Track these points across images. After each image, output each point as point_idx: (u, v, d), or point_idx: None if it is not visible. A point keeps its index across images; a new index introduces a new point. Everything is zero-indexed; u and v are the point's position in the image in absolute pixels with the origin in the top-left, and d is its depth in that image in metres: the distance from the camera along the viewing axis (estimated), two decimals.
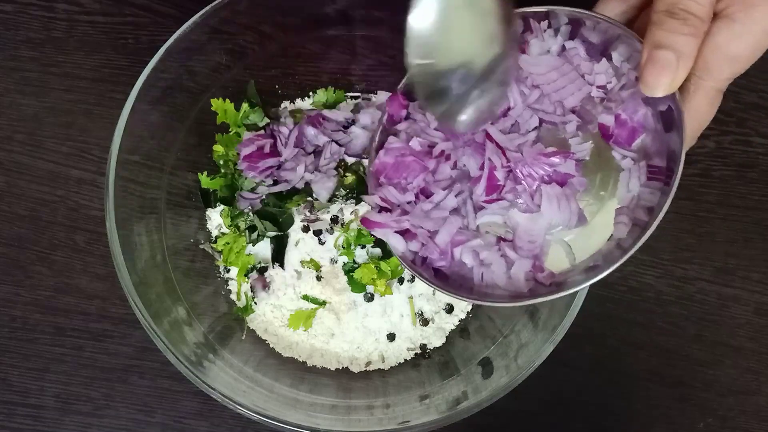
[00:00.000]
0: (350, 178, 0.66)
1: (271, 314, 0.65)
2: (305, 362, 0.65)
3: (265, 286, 0.65)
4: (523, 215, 0.47)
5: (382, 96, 0.68)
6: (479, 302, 0.48)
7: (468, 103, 0.46)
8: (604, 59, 0.47)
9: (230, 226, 0.66)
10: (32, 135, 0.70)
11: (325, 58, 0.68)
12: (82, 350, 0.67)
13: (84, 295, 0.68)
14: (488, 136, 0.48)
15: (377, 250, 0.64)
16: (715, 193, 0.71)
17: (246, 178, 0.65)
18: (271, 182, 0.65)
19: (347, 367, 0.65)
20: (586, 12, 0.45)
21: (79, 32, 0.71)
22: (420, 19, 0.41)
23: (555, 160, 0.46)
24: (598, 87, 0.47)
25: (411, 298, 0.65)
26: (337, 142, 0.65)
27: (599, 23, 0.45)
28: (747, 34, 0.39)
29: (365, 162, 0.65)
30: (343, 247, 0.64)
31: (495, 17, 0.42)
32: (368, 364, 0.65)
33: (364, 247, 0.64)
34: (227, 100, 0.65)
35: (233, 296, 0.66)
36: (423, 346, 0.66)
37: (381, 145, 0.52)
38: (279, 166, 0.64)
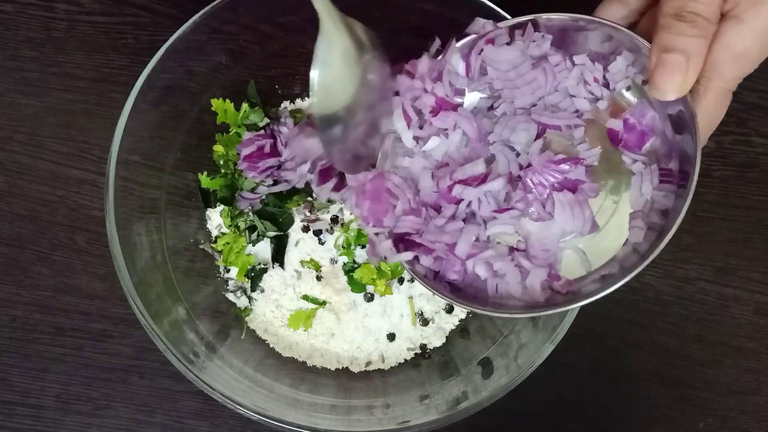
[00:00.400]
0: None
1: (271, 314, 0.65)
2: (305, 362, 0.65)
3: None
4: (534, 224, 0.47)
5: None
6: (495, 314, 0.47)
7: (358, 140, 0.49)
8: (577, 68, 0.47)
9: (230, 226, 0.66)
10: (32, 135, 0.70)
11: None
12: (82, 350, 0.67)
13: (84, 295, 0.68)
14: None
15: None
16: (716, 193, 0.71)
17: (246, 178, 0.65)
18: (271, 182, 0.65)
19: (347, 367, 0.65)
20: (589, 18, 0.45)
21: (79, 32, 0.71)
22: (315, 75, 0.44)
23: (565, 167, 0.46)
24: (587, 96, 0.47)
25: (411, 297, 0.65)
26: None
27: (602, 28, 0.45)
28: (755, 33, 0.39)
29: None
30: (343, 247, 0.65)
31: (363, 60, 0.46)
32: (368, 364, 0.65)
33: (364, 247, 0.64)
34: (227, 100, 0.65)
35: (232, 296, 0.66)
36: (423, 346, 0.66)
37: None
38: (279, 166, 0.64)
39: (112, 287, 0.67)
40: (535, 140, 0.48)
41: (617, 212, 0.47)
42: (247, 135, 0.64)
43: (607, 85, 0.47)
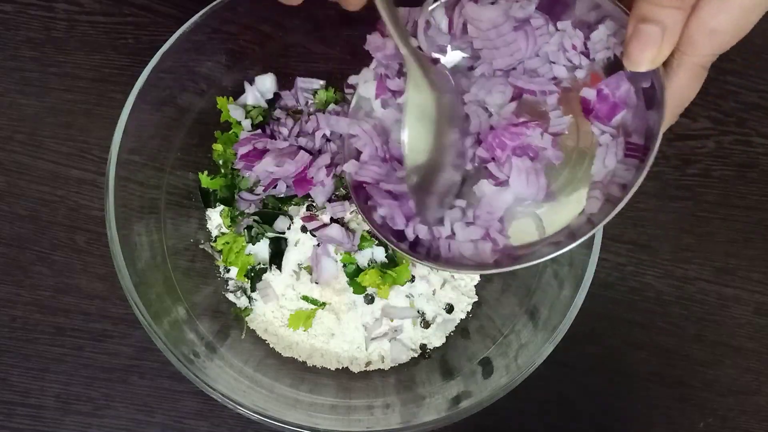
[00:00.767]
0: None
1: (271, 314, 0.65)
2: (305, 362, 0.65)
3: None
4: (491, 187, 0.47)
5: None
6: (445, 269, 0.50)
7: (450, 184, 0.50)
8: (558, 33, 0.46)
9: (230, 226, 0.66)
10: (32, 135, 0.70)
11: (325, 58, 0.68)
12: (82, 350, 0.67)
13: (84, 295, 0.68)
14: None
15: (380, 254, 0.64)
16: (716, 193, 0.71)
17: (243, 178, 0.65)
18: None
19: (347, 367, 0.65)
20: None
21: (79, 32, 0.71)
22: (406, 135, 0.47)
23: (525, 129, 0.45)
24: (563, 61, 0.47)
25: (411, 297, 0.65)
26: (334, 142, 0.65)
27: None
28: (732, 10, 0.38)
29: None
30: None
31: (439, 112, 0.48)
32: (368, 364, 0.65)
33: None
34: (230, 98, 0.65)
35: (232, 296, 0.66)
36: (423, 346, 0.66)
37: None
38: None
39: (112, 287, 0.67)
40: (509, 103, 0.48)
41: (579, 183, 0.46)
42: (243, 134, 0.64)
43: (587, 55, 0.46)
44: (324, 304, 0.64)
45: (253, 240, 0.65)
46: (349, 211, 0.64)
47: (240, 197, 0.65)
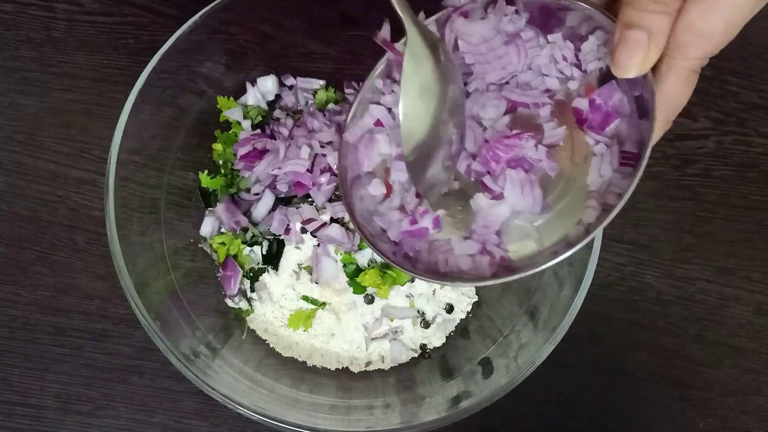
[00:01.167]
0: None
1: (271, 314, 0.65)
2: (305, 362, 0.65)
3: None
4: (487, 200, 0.47)
5: None
6: (443, 283, 0.51)
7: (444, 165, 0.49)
8: (549, 46, 0.46)
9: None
10: (32, 135, 0.70)
11: (325, 58, 0.68)
12: (82, 350, 0.67)
13: (84, 295, 0.68)
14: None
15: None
16: (716, 193, 0.71)
17: (243, 178, 0.65)
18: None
19: (347, 367, 0.65)
20: None
21: (79, 32, 0.71)
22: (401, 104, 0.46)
23: (518, 141, 0.45)
24: (555, 74, 0.47)
25: (411, 297, 0.65)
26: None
27: (577, 7, 0.44)
28: (718, 10, 0.37)
29: None
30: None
31: (440, 88, 0.47)
32: (368, 364, 0.65)
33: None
34: (231, 98, 0.65)
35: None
36: (423, 346, 0.66)
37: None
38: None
39: (112, 287, 0.67)
40: (503, 116, 0.48)
41: (577, 193, 0.46)
42: (243, 135, 0.64)
43: (579, 66, 0.46)
44: (324, 304, 0.64)
45: (249, 243, 0.65)
46: None
47: (240, 197, 0.65)
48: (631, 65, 0.38)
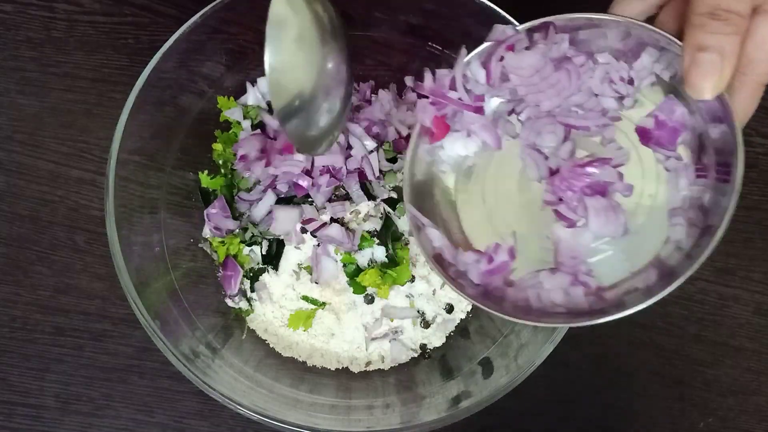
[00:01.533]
0: None
1: (271, 314, 0.65)
2: (305, 362, 0.65)
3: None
4: (566, 230, 0.47)
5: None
6: (539, 324, 0.46)
7: (317, 122, 0.50)
8: (601, 66, 0.46)
9: None
10: (32, 135, 0.70)
11: None
12: (82, 350, 0.67)
13: (84, 295, 0.68)
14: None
15: (380, 254, 0.64)
16: None
17: (243, 178, 0.65)
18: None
19: (347, 367, 0.65)
20: (608, 17, 0.45)
21: (79, 32, 0.71)
22: (270, 62, 0.44)
23: (593, 169, 0.45)
24: (612, 94, 0.47)
25: (411, 297, 0.65)
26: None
27: (621, 25, 0.44)
28: None
29: None
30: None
31: (321, 42, 0.46)
32: (368, 364, 0.65)
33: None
34: (231, 98, 0.65)
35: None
36: (423, 346, 0.66)
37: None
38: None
39: (112, 287, 0.67)
40: (564, 142, 0.48)
41: (653, 210, 0.46)
42: (243, 135, 0.64)
43: (631, 82, 0.46)
44: (324, 304, 0.64)
45: (248, 242, 0.65)
46: (349, 211, 0.64)
47: (239, 197, 0.65)
48: (707, 87, 0.39)
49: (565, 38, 0.47)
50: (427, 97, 0.50)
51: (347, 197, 0.65)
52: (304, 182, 0.62)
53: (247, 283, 0.66)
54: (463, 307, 0.66)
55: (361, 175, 0.64)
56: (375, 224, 0.64)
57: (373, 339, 0.64)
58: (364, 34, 0.65)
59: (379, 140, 0.65)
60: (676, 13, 0.43)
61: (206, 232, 0.65)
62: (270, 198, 0.63)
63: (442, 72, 0.49)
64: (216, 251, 0.66)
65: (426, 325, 0.65)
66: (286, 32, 0.44)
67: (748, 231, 0.70)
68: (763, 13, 0.39)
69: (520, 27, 0.48)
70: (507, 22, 0.50)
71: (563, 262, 0.47)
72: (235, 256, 0.65)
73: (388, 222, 0.64)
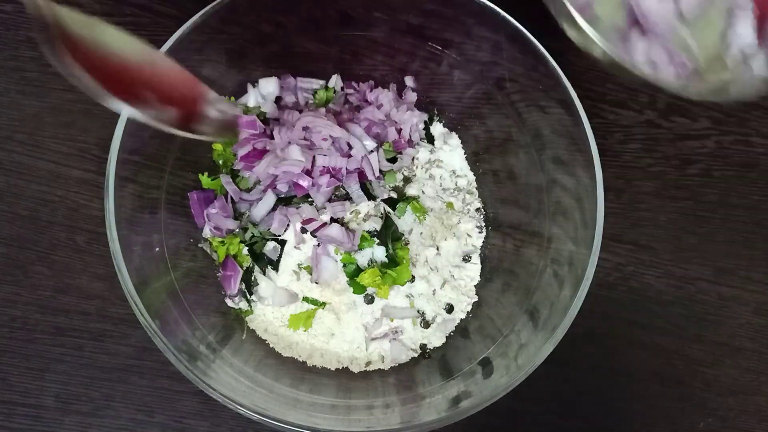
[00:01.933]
0: None
1: (271, 314, 0.65)
2: (305, 362, 0.65)
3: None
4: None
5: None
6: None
7: None
8: None
9: None
10: (32, 135, 0.70)
11: (325, 58, 0.68)
12: (82, 350, 0.67)
13: (84, 295, 0.68)
14: None
15: (380, 254, 0.64)
16: (716, 193, 0.71)
17: (243, 178, 0.65)
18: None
19: (347, 367, 0.65)
20: None
21: None
22: None
23: None
24: None
25: (411, 297, 0.65)
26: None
27: None
28: None
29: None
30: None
31: None
32: (368, 364, 0.65)
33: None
34: (231, 98, 0.65)
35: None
36: (423, 346, 0.66)
37: None
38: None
39: (112, 287, 0.67)
40: None
41: None
42: (243, 135, 0.64)
43: None
44: (324, 304, 0.64)
45: (248, 242, 0.65)
46: (349, 211, 0.64)
47: (240, 197, 0.65)
48: None
49: None
50: None
51: (347, 197, 0.65)
52: (304, 182, 0.62)
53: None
54: (463, 307, 0.66)
55: (361, 175, 0.64)
56: (375, 224, 0.64)
57: (373, 339, 0.64)
58: (364, 34, 0.65)
59: (379, 140, 0.65)
60: None
61: (206, 232, 0.65)
62: (270, 198, 0.63)
63: None
64: (216, 251, 0.66)
65: (426, 325, 0.65)
66: None
67: (749, 231, 0.70)
68: None
69: None
70: (506, 19, 0.49)
71: (654, 25, 0.43)
72: (235, 256, 0.65)
73: (388, 222, 0.64)
